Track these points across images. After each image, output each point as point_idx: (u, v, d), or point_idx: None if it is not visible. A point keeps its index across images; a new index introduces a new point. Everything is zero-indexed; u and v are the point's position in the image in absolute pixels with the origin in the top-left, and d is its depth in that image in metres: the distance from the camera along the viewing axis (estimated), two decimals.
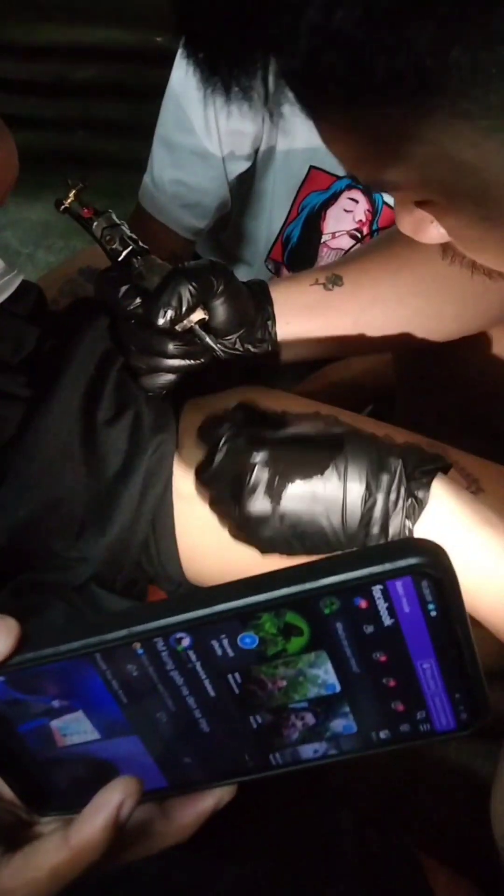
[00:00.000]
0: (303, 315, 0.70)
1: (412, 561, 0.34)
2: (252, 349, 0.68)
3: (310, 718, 0.39)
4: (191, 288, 0.63)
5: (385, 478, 0.53)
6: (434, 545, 0.35)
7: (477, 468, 0.67)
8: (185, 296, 0.63)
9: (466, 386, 0.77)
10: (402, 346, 0.70)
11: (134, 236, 0.68)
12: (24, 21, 2.21)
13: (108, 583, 0.65)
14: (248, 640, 0.37)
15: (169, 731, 0.40)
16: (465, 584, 0.35)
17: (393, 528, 0.54)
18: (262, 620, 0.36)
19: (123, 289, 0.65)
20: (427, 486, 0.54)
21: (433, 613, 0.36)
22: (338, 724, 0.39)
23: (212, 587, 0.37)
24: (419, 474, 0.54)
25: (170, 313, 0.63)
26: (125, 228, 0.66)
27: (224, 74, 0.36)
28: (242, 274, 0.85)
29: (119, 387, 0.68)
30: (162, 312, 0.63)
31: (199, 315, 0.66)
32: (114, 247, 0.66)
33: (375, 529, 0.53)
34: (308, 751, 0.41)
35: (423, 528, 0.56)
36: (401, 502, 0.54)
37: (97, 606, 0.60)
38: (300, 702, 0.39)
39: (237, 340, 0.67)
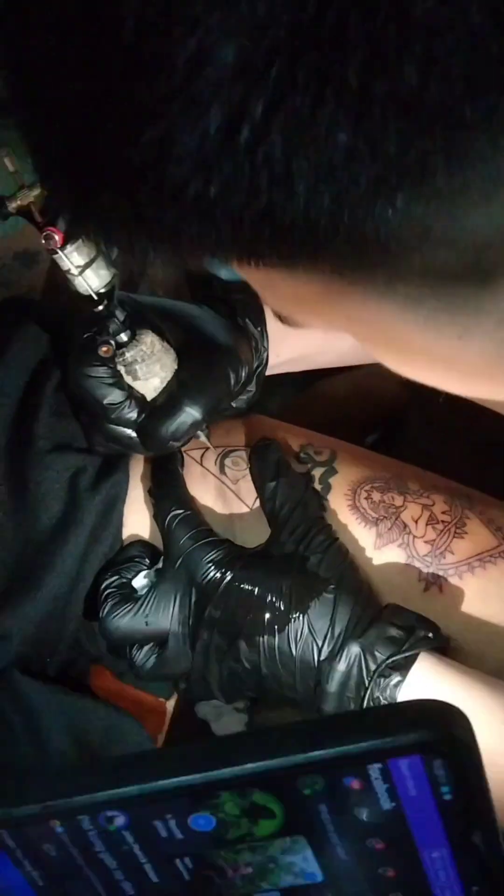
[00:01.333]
0: (291, 341, 0.68)
1: (421, 736, 0.32)
2: (241, 403, 0.67)
3: None
4: (204, 422, 0.62)
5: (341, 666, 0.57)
6: (451, 711, 0.33)
7: None
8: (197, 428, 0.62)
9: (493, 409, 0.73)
10: None
11: (127, 297, 0.62)
12: None
13: (37, 666, 0.62)
14: (201, 821, 0.34)
15: None
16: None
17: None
18: (221, 800, 0.34)
19: (105, 376, 0.62)
20: (398, 679, 0.56)
21: (447, 797, 0.33)
22: None
23: (157, 751, 0.34)
24: (386, 670, 0.56)
25: (175, 444, 0.62)
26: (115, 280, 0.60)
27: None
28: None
29: (57, 411, 0.65)
30: (168, 445, 0.62)
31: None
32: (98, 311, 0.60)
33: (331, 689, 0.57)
34: None
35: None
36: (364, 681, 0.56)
37: (19, 701, 0.57)
38: (269, 891, 0.37)
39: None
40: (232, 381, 0.62)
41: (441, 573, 0.61)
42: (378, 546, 0.62)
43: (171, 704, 0.67)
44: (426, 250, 0.30)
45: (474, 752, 0.32)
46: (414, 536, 0.61)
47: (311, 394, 1.00)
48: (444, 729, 0.32)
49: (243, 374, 0.63)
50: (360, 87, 0.25)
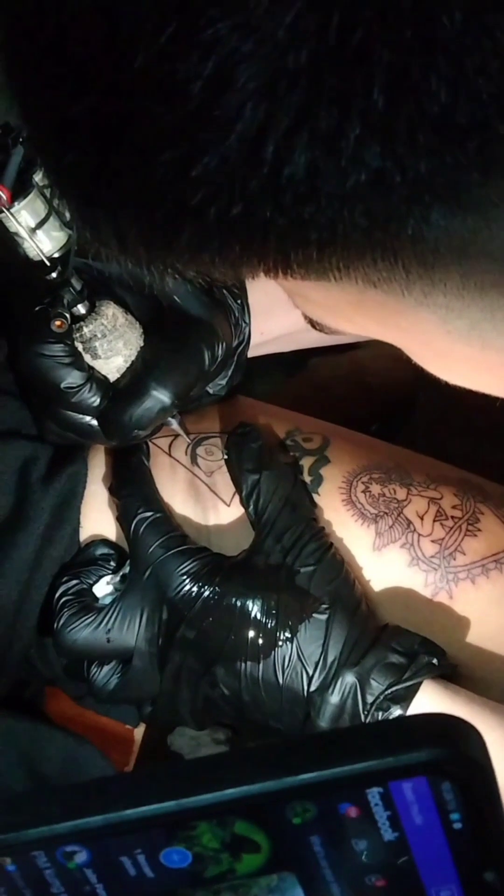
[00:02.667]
0: (277, 316, 0.69)
1: (426, 754, 0.32)
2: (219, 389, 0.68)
3: None
4: (175, 408, 0.63)
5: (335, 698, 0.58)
6: (461, 727, 0.33)
7: None
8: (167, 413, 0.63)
9: None
10: None
11: (85, 264, 0.63)
12: None
13: None
14: (175, 856, 0.35)
15: None
16: None
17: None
18: (198, 831, 0.34)
19: (60, 355, 0.62)
20: (398, 713, 0.57)
21: (458, 826, 0.34)
22: None
23: (123, 777, 0.35)
24: (385, 702, 0.57)
25: (141, 433, 0.63)
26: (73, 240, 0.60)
27: None
28: None
29: (2, 391, 0.66)
30: (133, 434, 0.62)
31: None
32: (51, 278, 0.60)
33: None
34: None
35: None
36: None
37: None
38: None
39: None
40: (207, 361, 0.63)
41: (451, 577, 0.62)
42: (377, 547, 0.62)
43: (139, 732, 0.67)
44: (465, 263, 0.33)
45: (489, 774, 0.33)
46: (419, 535, 0.62)
47: (304, 376, 1.01)
48: (452, 747, 0.32)
49: (220, 352, 0.63)
50: (386, 108, 0.28)
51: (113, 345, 0.61)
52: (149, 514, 0.61)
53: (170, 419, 0.63)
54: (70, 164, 0.32)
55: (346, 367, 0.98)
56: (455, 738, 0.33)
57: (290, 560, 0.59)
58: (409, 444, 0.85)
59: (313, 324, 0.42)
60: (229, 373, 0.66)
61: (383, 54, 0.27)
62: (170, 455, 0.66)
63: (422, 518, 0.63)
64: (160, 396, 0.61)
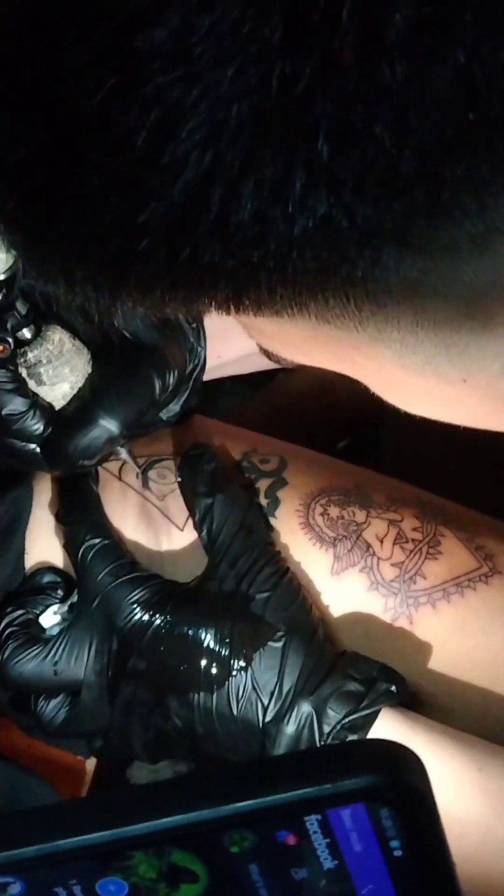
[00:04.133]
0: (234, 339, 0.69)
1: (363, 781, 0.33)
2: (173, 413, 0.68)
3: None
4: (123, 437, 0.63)
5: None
6: (400, 753, 0.34)
7: (494, 541, 0.67)
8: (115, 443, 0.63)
9: None
10: None
11: (31, 286, 0.63)
12: None
13: None
14: (112, 887, 0.36)
15: None
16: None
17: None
18: (134, 861, 0.35)
19: (3, 381, 0.62)
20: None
21: (398, 853, 0.35)
22: None
23: (57, 806, 0.36)
24: (342, 732, 0.58)
25: (87, 462, 0.63)
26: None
27: None
28: None
29: None
30: (78, 464, 0.63)
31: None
32: None
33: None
34: None
35: None
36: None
37: None
38: None
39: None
40: (157, 389, 0.64)
41: (411, 602, 0.63)
42: (336, 571, 0.63)
43: (91, 764, 0.68)
44: (417, 302, 0.34)
45: (428, 801, 0.34)
46: (379, 559, 0.63)
47: (270, 392, 1.01)
48: (390, 773, 0.33)
49: (171, 380, 0.64)
50: (331, 157, 0.29)
51: (59, 371, 0.62)
52: (96, 540, 0.62)
53: (118, 448, 0.64)
54: (13, 208, 0.33)
55: (312, 383, 0.98)
56: (393, 764, 0.34)
57: (245, 586, 0.61)
58: (380, 461, 0.86)
59: (268, 355, 0.44)
60: (182, 398, 0.67)
61: (326, 105, 0.28)
62: (120, 479, 0.67)
63: (381, 541, 0.64)
64: (108, 426, 0.62)
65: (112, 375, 0.63)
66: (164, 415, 0.67)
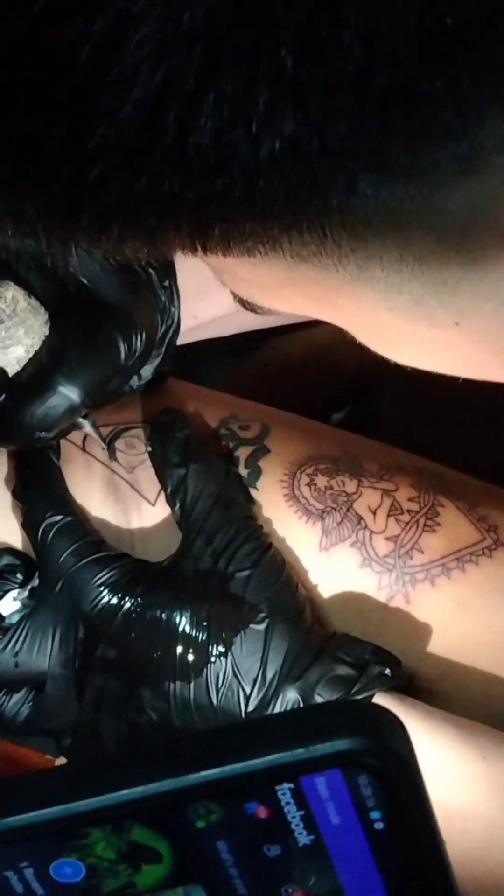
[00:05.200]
0: (211, 298, 0.69)
1: (340, 744, 0.33)
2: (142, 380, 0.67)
3: None
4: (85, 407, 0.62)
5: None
6: (382, 715, 0.34)
7: (498, 510, 0.67)
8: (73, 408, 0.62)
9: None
10: None
11: None
12: None
13: None
14: (67, 869, 0.35)
15: None
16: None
17: None
18: (91, 840, 0.35)
19: None
20: None
21: (379, 826, 0.34)
22: None
23: (6, 781, 0.35)
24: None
25: (45, 435, 0.62)
26: None
27: None
28: None
29: None
30: (35, 436, 0.62)
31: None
32: None
33: None
34: None
35: None
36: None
37: None
38: None
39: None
40: (123, 354, 0.63)
41: (407, 579, 0.62)
42: (325, 547, 0.63)
43: (61, 762, 0.67)
44: (400, 234, 0.33)
45: (411, 768, 0.34)
46: (371, 532, 0.63)
47: (258, 359, 1.01)
48: (369, 736, 0.33)
49: (138, 344, 0.64)
50: (296, 69, 0.28)
51: (12, 332, 0.61)
52: (58, 517, 0.61)
53: (80, 420, 0.63)
54: None
55: (306, 346, 0.98)
56: (371, 726, 0.34)
57: (223, 564, 0.60)
58: (379, 432, 0.86)
59: (244, 304, 0.43)
60: (155, 364, 0.67)
61: (287, 10, 0.27)
62: (84, 450, 0.66)
63: (374, 513, 0.63)
64: (67, 393, 0.61)
65: (72, 338, 0.62)
66: (133, 382, 0.66)
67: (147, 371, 0.66)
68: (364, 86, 0.29)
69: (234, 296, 0.43)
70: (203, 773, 0.33)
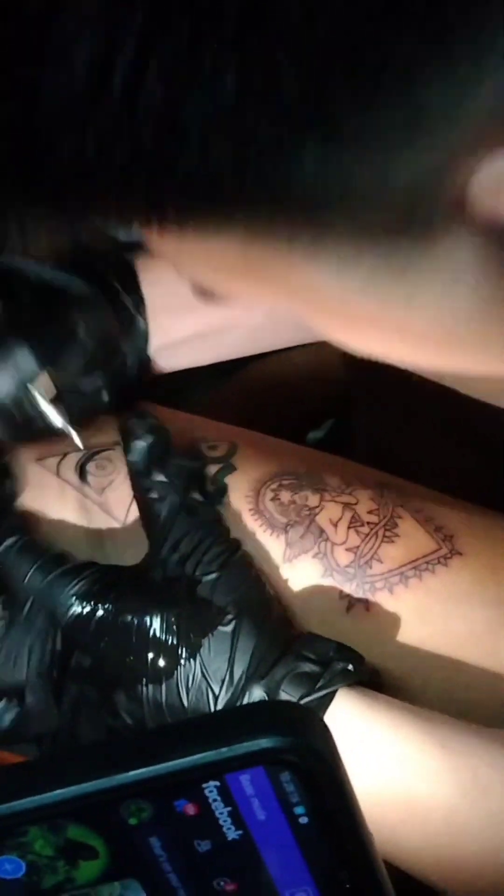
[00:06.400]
0: (184, 316, 0.70)
1: (261, 743, 0.34)
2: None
3: None
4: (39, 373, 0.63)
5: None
6: (302, 714, 0.36)
7: (454, 521, 0.67)
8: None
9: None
10: None
11: None
12: None
13: None
14: (7, 866, 0.36)
15: None
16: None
17: None
18: (29, 838, 0.35)
19: None
20: None
21: (303, 820, 0.35)
22: None
23: None
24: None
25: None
26: None
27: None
28: None
29: None
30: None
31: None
32: None
33: None
34: None
35: None
36: None
37: None
38: None
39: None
40: (81, 331, 0.63)
41: (367, 587, 0.63)
42: (288, 558, 0.64)
43: None
44: (350, 205, 0.33)
45: (330, 763, 0.34)
46: (333, 544, 0.63)
47: (240, 381, 1.00)
48: (290, 734, 0.34)
49: (96, 329, 0.64)
50: (240, 24, 0.28)
51: None
52: (14, 538, 0.61)
53: (35, 392, 0.62)
54: None
55: (285, 368, 0.98)
56: (292, 725, 0.34)
57: (190, 569, 0.60)
58: (355, 449, 0.86)
59: (202, 293, 0.42)
60: (132, 369, 0.67)
61: None
62: (58, 476, 0.66)
63: (335, 525, 0.64)
64: (22, 358, 0.61)
65: (26, 306, 0.62)
66: (104, 397, 0.66)
67: (120, 381, 0.67)
68: (308, 43, 0.28)
69: (193, 288, 0.42)
70: (132, 772, 0.34)
